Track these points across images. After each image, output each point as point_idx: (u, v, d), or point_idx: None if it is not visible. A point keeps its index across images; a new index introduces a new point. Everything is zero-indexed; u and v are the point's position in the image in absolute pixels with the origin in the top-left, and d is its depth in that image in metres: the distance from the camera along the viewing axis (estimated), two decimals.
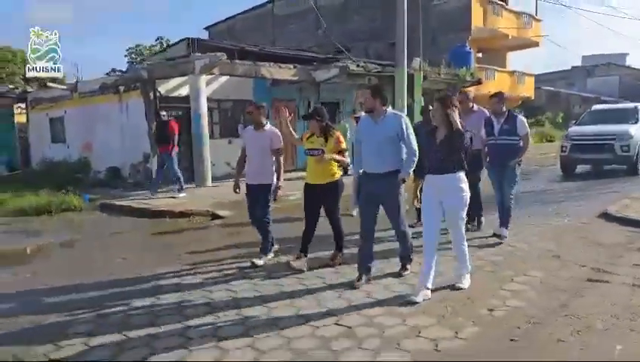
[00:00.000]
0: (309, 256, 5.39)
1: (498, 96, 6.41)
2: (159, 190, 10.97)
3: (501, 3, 23.74)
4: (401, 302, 4.15)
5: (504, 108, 6.31)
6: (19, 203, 9.94)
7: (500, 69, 24.44)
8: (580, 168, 13.66)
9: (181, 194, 10.62)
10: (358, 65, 15.12)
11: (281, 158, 5.65)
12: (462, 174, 4.33)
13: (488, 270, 5.09)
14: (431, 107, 5.22)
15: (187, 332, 3.70)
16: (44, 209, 9.64)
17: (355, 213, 7.02)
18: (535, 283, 4.61)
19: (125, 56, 44.12)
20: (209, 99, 12.72)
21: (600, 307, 3.97)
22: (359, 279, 4.68)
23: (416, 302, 4.10)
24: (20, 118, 18.73)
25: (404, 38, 14.07)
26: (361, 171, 4.88)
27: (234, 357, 3.28)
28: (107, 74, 14.47)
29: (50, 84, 16.14)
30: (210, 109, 12.91)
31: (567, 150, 13.02)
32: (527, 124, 6.28)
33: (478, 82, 20.09)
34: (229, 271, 5.31)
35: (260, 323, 3.83)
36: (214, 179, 12.30)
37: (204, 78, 12.27)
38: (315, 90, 15.16)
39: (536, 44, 26.71)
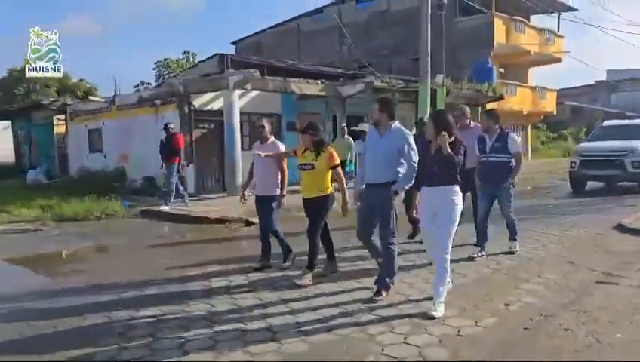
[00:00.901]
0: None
1: (489, 113, 6.47)
2: (190, 198, 11.52)
3: (523, 20, 24.16)
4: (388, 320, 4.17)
5: (496, 126, 6.25)
6: (66, 209, 10.67)
7: (521, 84, 24.80)
8: (595, 184, 13.48)
9: (165, 208, 10.69)
10: (382, 81, 15.71)
11: (285, 170, 5.85)
12: (456, 188, 4.36)
13: (505, 273, 5.58)
14: (425, 120, 5.64)
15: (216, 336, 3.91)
16: (88, 214, 10.38)
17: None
18: (548, 284, 5.09)
19: (154, 69, 45.28)
20: (241, 113, 13.39)
21: (606, 304, 4.44)
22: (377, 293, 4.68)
23: (437, 317, 4.12)
24: (59, 129, 19.65)
25: (428, 54, 14.63)
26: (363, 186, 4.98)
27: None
28: (136, 87, 15.25)
29: (91, 97, 17.01)
30: (240, 122, 13.57)
31: (576, 166, 12.79)
32: (518, 142, 6.27)
33: (500, 97, 20.51)
34: (256, 278, 5.82)
35: (310, 322, 4.36)
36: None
37: (237, 93, 12.96)
38: (341, 104, 15.76)
39: (559, 60, 27.02)
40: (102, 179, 14.55)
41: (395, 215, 4.76)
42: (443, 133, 4.26)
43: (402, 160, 4.64)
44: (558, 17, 26.68)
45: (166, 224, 9.75)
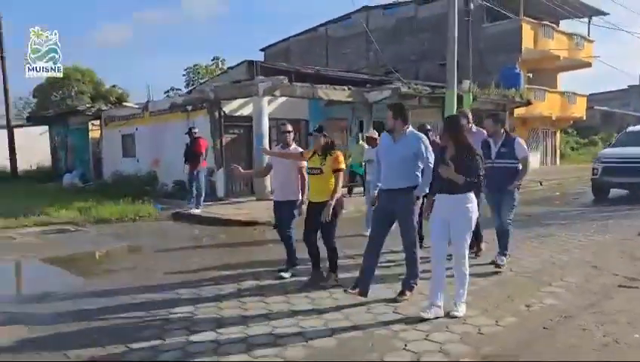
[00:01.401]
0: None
1: (493, 117, 6.26)
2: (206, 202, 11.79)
3: (552, 25, 23.98)
4: (410, 319, 4.27)
5: (502, 130, 6.08)
6: (101, 211, 11.11)
7: (550, 89, 24.58)
8: (618, 191, 13.13)
9: (196, 211, 11.04)
10: (409, 87, 15.85)
11: (306, 176, 5.76)
12: (471, 195, 4.31)
13: (528, 276, 5.69)
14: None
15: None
16: (123, 216, 10.80)
17: (367, 232, 7.61)
18: (570, 287, 5.19)
19: (183, 75, 46.18)
20: (268, 119, 13.69)
21: (626, 307, 4.53)
22: (354, 287, 4.77)
23: (427, 319, 4.18)
24: (93, 134, 20.32)
25: (455, 60, 14.71)
26: (376, 190, 5.09)
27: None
28: (166, 92, 15.64)
29: (124, 103, 17.56)
30: (269, 127, 13.86)
31: (598, 173, 12.42)
32: (525, 147, 6.10)
33: (528, 103, 20.42)
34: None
35: (337, 324, 4.57)
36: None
37: (266, 99, 13.27)
38: (368, 110, 15.94)
39: (589, 65, 26.69)
40: (135, 183, 15.02)
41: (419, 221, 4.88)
42: (446, 164, 4.24)
43: (420, 163, 4.70)
44: (589, 22, 26.38)
45: (197, 226, 10.07)
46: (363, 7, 26.87)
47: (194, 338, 4.02)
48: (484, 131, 6.39)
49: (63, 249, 8.22)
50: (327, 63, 27.23)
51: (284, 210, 5.83)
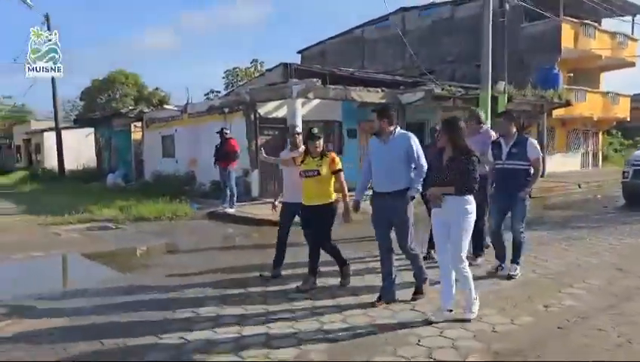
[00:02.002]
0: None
1: (505, 116, 5.95)
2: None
3: (594, 24, 23.39)
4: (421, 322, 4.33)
5: (514, 130, 5.75)
6: (141, 209, 11.59)
7: (591, 89, 23.97)
8: None
9: (231, 210, 11.46)
10: (442, 89, 15.83)
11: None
12: (469, 197, 4.28)
13: (551, 277, 5.71)
14: (438, 128, 5.47)
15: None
16: (161, 215, 11.24)
17: None
18: (592, 289, 5.20)
19: (223, 77, 47.08)
20: (302, 120, 13.93)
21: None
22: (379, 300, 4.82)
23: (435, 322, 4.23)
24: (135, 136, 21.07)
25: (489, 61, 14.62)
26: (368, 192, 5.06)
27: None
28: (206, 95, 16.10)
29: (165, 106, 18.17)
30: (303, 130, 14.11)
31: (628, 176, 11.93)
32: (538, 148, 5.76)
33: (567, 104, 20.01)
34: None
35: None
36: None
37: (299, 101, 13.52)
38: (401, 111, 15.99)
39: (632, 65, 25.89)
40: (173, 183, 15.56)
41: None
42: (432, 189, 4.32)
43: (412, 164, 4.70)
44: (632, 20, 25.57)
45: (231, 225, 10.39)
46: (399, 8, 26.86)
47: (218, 330, 4.27)
48: (492, 132, 6.25)
49: (104, 245, 8.66)
50: (363, 65, 27.33)
51: (294, 213, 5.83)
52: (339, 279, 5.59)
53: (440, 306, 4.41)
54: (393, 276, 4.90)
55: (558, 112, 21.95)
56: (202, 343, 4.01)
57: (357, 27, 29.51)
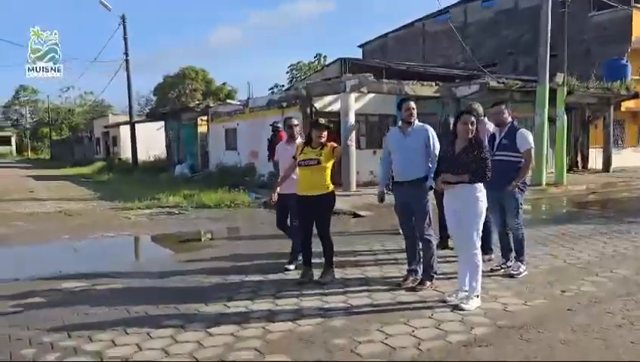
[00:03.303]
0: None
1: (497, 106, 5.69)
2: None
3: None
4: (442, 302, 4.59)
5: (508, 119, 5.58)
6: (203, 198, 12.48)
7: None
8: None
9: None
10: (498, 82, 15.74)
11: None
12: (479, 185, 4.49)
13: (580, 266, 5.86)
14: (450, 120, 5.51)
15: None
16: (220, 203, 12.07)
17: None
18: (616, 278, 5.34)
19: (287, 72, 48.09)
20: (358, 114, 14.35)
21: None
22: (405, 279, 5.18)
23: (450, 302, 4.49)
24: (201, 129, 22.25)
25: (547, 53, 14.44)
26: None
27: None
28: (271, 89, 16.88)
29: (228, 101, 19.12)
30: (358, 122, 14.52)
31: None
32: (530, 139, 5.51)
33: (635, 95, 19.24)
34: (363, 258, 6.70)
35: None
36: (358, 185, 13.88)
37: (353, 95, 13.95)
38: (456, 105, 16.04)
39: None
40: (235, 174, 16.46)
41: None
42: (447, 176, 4.52)
43: (430, 154, 4.97)
44: None
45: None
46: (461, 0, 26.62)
47: (255, 304, 4.83)
48: (490, 123, 5.86)
49: (167, 228, 9.52)
50: (423, 58, 27.32)
51: (289, 204, 5.78)
52: (342, 271, 5.68)
53: (457, 288, 4.73)
54: (418, 259, 5.24)
55: (628, 105, 21.14)
56: (265, 313, 4.47)
57: (418, 20, 29.46)
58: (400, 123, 5.24)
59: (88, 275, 5.84)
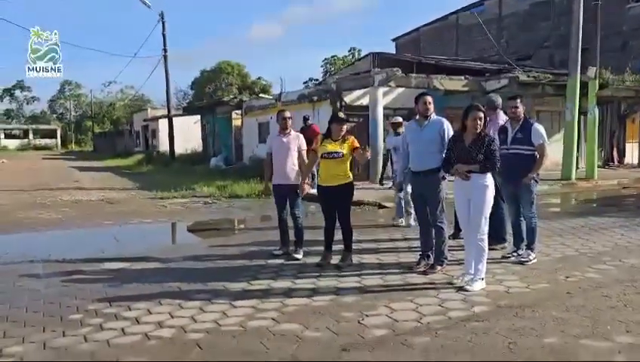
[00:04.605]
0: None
1: (513, 99, 5.83)
2: None
3: None
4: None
5: (522, 114, 5.80)
6: (235, 188, 13.08)
7: None
8: None
9: (313, 190, 12.09)
10: (528, 76, 15.74)
11: (305, 159, 6.15)
12: (487, 175, 4.79)
13: (590, 256, 6.07)
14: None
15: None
16: (251, 193, 12.60)
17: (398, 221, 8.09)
18: (622, 266, 5.55)
19: (321, 66, 48.46)
20: (387, 108, 14.63)
21: None
22: (418, 263, 5.50)
23: (456, 284, 4.83)
24: (236, 122, 22.89)
25: (579, 46, 14.42)
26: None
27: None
28: (305, 83, 17.32)
29: (261, 95, 19.67)
30: (387, 116, 14.79)
31: None
32: (544, 133, 5.73)
33: None
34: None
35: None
36: (386, 177, 14.15)
37: (381, 90, 14.23)
38: (485, 99, 16.12)
39: None
40: None
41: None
42: (460, 166, 4.80)
43: (444, 145, 5.22)
44: None
45: (312, 204, 11.42)
46: None
47: (276, 283, 5.27)
48: (503, 117, 6.12)
49: (200, 216, 10.07)
50: (456, 52, 27.25)
51: (287, 193, 6.18)
52: (359, 257, 5.99)
53: (464, 271, 5.04)
54: (430, 245, 5.56)
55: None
56: (284, 290, 4.91)
57: (452, 13, 29.35)
58: (417, 116, 5.53)
59: (127, 257, 6.40)
